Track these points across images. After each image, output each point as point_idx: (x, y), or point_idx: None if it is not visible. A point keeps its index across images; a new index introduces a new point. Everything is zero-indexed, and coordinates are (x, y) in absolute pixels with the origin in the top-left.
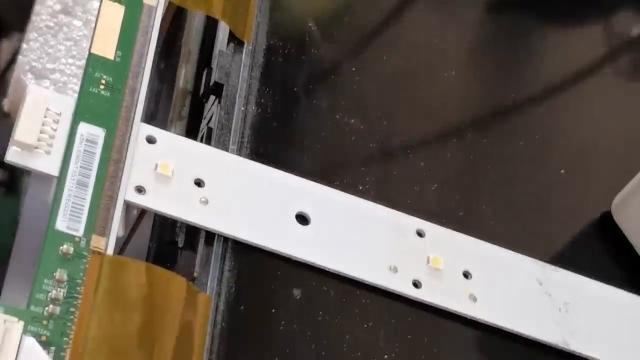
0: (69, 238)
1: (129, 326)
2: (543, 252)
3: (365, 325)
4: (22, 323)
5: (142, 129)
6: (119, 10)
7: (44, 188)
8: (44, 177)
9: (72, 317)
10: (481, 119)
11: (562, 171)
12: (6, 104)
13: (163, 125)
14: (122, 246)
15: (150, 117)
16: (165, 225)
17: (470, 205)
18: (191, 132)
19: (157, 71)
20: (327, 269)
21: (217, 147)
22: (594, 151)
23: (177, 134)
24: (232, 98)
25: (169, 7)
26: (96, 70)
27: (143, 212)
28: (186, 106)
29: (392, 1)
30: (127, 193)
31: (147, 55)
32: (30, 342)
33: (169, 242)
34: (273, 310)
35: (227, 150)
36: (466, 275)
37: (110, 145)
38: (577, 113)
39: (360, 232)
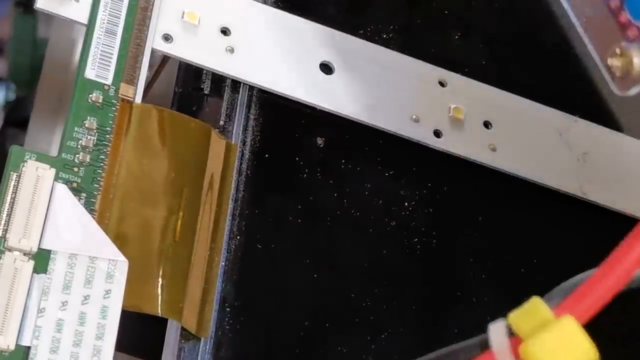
0: (99, 86)
1: (158, 173)
2: (563, 103)
3: (387, 174)
4: (53, 170)
5: None
6: None
7: (68, 32)
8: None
9: (102, 164)
10: None
11: None
12: None
13: None
14: (145, 89)
15: None
16: (190, 72)
17: (492, 54)
18: None
19: None
20: (350, 118)
21: None
22: None
23: None
24: None
25: None
26: None
27: (166, 56)
28: None
29: None
30: (154, 41)
31: None
32: (62, 188)
33: (194, 88)
34: (297, 159)
35: None
36: (487, 125)
37: None
38: None
39: (383, 81)
